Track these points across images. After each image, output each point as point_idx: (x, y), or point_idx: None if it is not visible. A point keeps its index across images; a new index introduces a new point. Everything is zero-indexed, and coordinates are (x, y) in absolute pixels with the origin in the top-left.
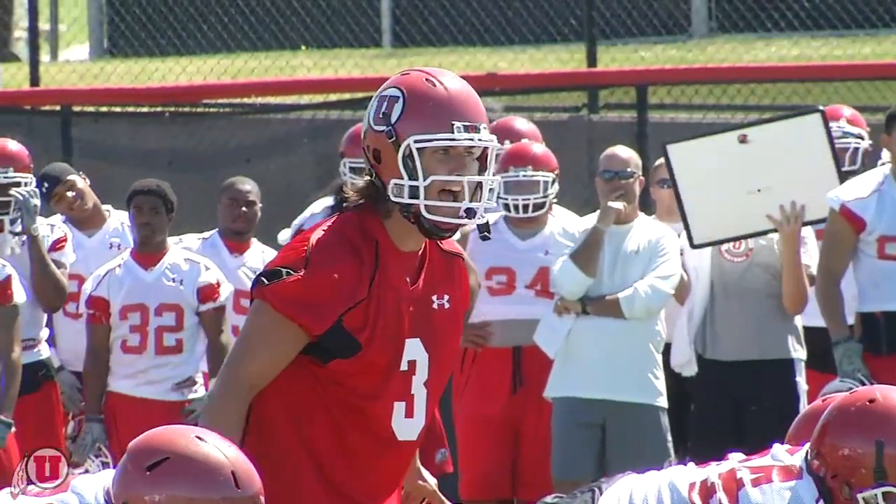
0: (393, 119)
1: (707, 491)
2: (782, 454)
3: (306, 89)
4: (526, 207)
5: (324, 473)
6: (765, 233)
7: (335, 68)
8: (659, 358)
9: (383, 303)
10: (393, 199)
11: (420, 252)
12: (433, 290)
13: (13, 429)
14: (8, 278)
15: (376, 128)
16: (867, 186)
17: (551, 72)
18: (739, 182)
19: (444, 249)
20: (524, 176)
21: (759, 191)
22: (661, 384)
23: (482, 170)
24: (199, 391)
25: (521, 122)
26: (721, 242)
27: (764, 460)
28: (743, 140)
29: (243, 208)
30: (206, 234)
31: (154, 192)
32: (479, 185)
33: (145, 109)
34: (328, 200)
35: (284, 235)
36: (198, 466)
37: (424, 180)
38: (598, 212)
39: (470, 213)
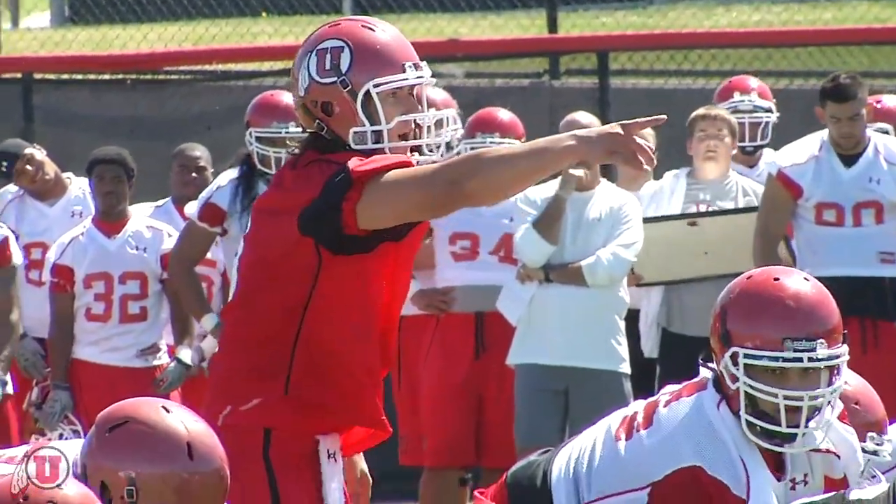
0: (343, 68)
1: (629, 421)
2: (703, 372)
3: (267, 56)
4: None
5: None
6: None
7: (296, 35)
8: (622, 325)
9: None
10: (355, 146)
11: None
12: None
13: (8, 387)
14: (6, 239)
15: (324, 80)
16: (805, 152)
17: (512, 38)
18: (688, 248)
19: None
20: (491, 143)
21: (705, 253)
22: (623, 350)
23: (423, 106)
24: (163, 358)
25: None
26: (670, 283)
27: (686, 384)
28: (692, 224)
29: (193, 174)
30: (160, 202)
31: (115, 160)
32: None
33: (107, 77)
34: (234, 173)
35: (191, 209)
36: (154, 434)
37: (388, 123)
38: (560, 179)
39: (420, 150)
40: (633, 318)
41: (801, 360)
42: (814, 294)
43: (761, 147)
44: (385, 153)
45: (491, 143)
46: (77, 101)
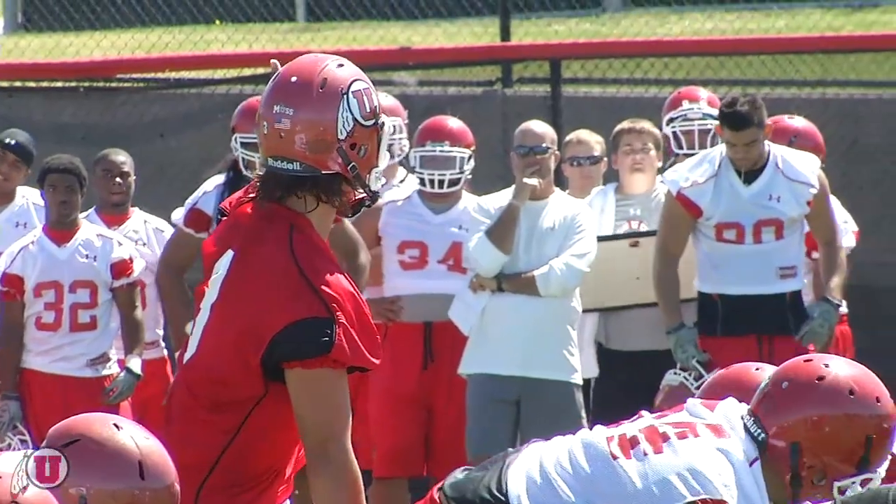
0: (378, 110)
1: (629, 442)
2: (700, 410)
3: (221, 64)
4: (441, 183)
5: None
6: (644, 305)
7: (249, 43)
8: (574, 335)
9: None
10: (373, 188)
11: None
12: None
13: None
14: None
15: (368, 123)
16: (704, 172)
17: (465, 46)
18: (623, 271)
19: None
20: (441, 151)
21: (637, 279)
22: (576, 361)
23: None
24: (113, 367)
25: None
26: (605, 310)
27: (682, 416)
28: (634, 244)
29: (118, 179)
30: (84, 213)
31: (69, 169)
32: None
33: (60, 84)
34: (220, 178)
35: (177, 214)
36: (105, 452)
37: (384, 160)
38: (514, 188)
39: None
40: None
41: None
42: None
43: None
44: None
45: (441, 151)
46: (30, 108)
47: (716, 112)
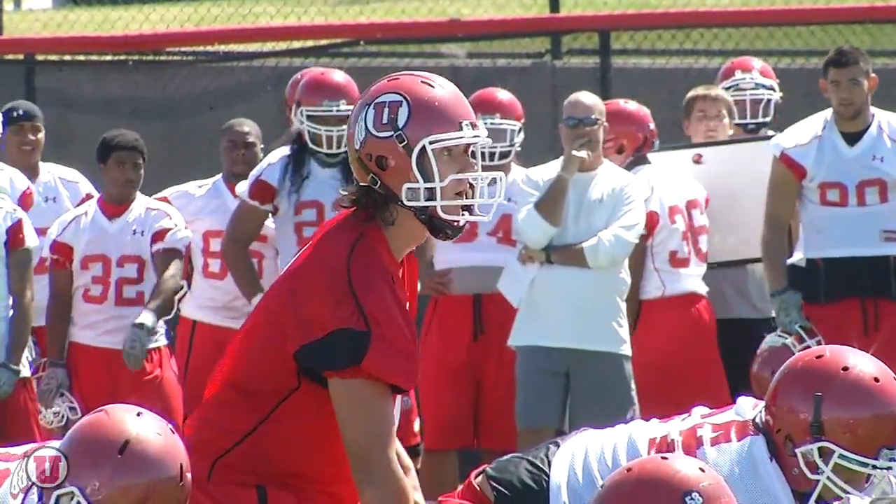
0: (400, 123)
1: (667, 448)
2: (744, 408)
3: (269, 37)
4: (492, 156)
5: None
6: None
7: (298, 15)
8: (623, 306)
9: None
10: (407, 203)
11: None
12: (405, 296)
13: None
14: (19, 222)
15: (381, 135)
16: (808, 132)
17: (514, 17)
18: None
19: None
20: (492, 124)
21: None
22: (625, 332)
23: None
24: (160, 341)
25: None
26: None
27: (726, 415)
28: (697, 161)
29: (242, 150)
30: (209, 181)
31: (136, 147)
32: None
33: (109, 58)
34: (285, 150)
35: (242, 187)
36: (103, 425)
37: (441, 181)
38: (562, 160)
39: (472, 209)
40: None
41: (890, 468)
42: None
43: (764, 125)
44: (437, 211)
45: (491, 123)
46: (79, 82)
47: (769, 82)
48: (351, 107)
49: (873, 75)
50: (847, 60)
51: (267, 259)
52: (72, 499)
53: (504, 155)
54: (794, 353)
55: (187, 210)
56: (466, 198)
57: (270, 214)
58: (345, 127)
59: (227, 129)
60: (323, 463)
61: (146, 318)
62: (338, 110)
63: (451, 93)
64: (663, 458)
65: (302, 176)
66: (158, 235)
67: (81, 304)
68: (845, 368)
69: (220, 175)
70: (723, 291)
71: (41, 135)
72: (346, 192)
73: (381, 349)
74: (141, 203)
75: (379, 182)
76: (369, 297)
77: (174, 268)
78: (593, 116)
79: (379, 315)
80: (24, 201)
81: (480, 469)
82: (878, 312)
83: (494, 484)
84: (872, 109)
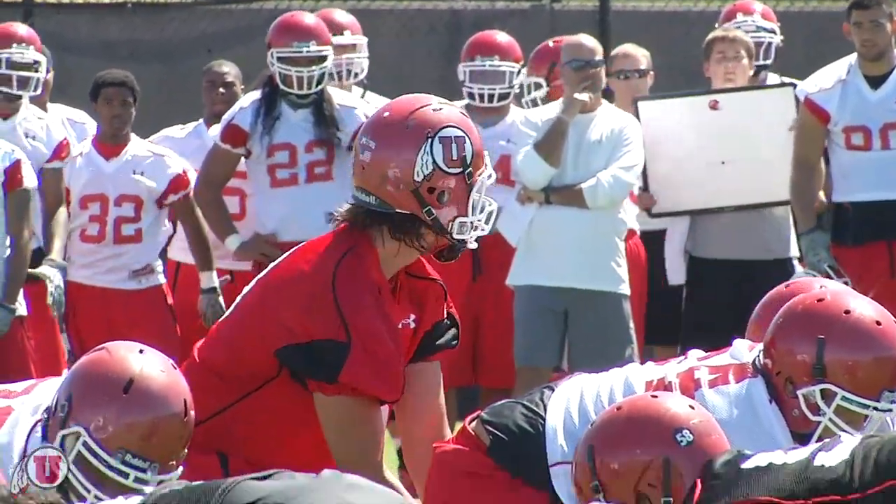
0: (468, 160)
1: (664, 390)
2: (741, 351)
3: None
4: (491, 97)
5: None
6: (722, 209)
7: None
8: (622, 246)
9: None
10: (456, 237)
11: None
12: (401, 313)
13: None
14: (17, 163)
15: (452, 171)
16: (832, 77)
17: None
18: (704, 152)
19: (413, 273)
20: (490, 66)
21: (722, 163)
22: (623, 272)
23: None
24: (158, 279)
25: (340, 14)
26: (679, 214)
27: (723, 358)
28: (714, 107)
29: (220, 90)
30: (191, 124)
31: (124, 83)
32: None
33: (107, 1)
34: (256, 94)
35: (215, 131)
36: (107, 363)
37: (475, 214)
38: (562, 101)
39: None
40: (654, 241)
41: (890, 410)
42: None
43: (765, 67)
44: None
45: (490, 65)
46: (77, 25)
47: (770, 25)
48: (321, 48)
49: None
50: (869, 3)
51: (249, 197)
52: (77, 438)
53: (503, 97)
54: None
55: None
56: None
57: (243, 158)
58: (315, 68)
59: (207, 69)
60: (284, 454)
61: (213, 280)
62: (307, 51)
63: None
64: (653, 396)
65: (273, 118)
66: (177, 184)
67: (79, 244)
68: (847, 311)
69: (202, 118)
70: (736, 232)
71: (50, 76)
72: (339, 213)
73: (361, 360)
74: (139, 144)
75: (432, 214)
76: (353, 309)
77: (197, 211)
78: (597, 58)
79: (361, 327)
80: (60, 151)
81: (475, 414)
82: None
83: (490, 428)
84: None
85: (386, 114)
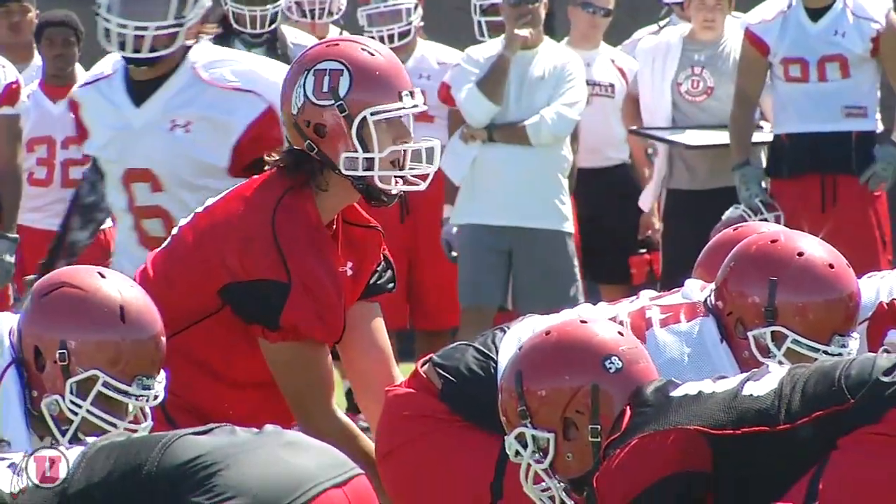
0: (342, 93)
1: None
2: (693, 291)
3: None
4: (392, 37)
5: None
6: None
7: None
8: (565, 183)
9: None
10: (345, 172)
11: (330, 224)
12: (340, 260)
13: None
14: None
15: (321, 102)
16: (773, 8)
17: None
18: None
19: (350, 221)
20: (385, 7)
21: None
22: (567, 210)
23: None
24: (107, 221)
25: None
26: (658, 139)
27: (674, 298)
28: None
29: None
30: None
31: (65, 23)
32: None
33: None
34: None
35: None
36: (87, 299)
37: (381, 151)
38: (503, 37)
39: (406, 177)
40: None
41: (840, 354)
42: (858, 289)
43: None
44: (374, 180)
45: (385, 6)
46: None
47: None
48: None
49: None
50: None
51: None
52: (95, 380)
53: (403, 35)
54: None
55: None
56: (400, 165)
57: None
58: (269, 7)
59: None
60: (224, 386)
61: None
62: None
63: (390, 60)
64: (582, 321)
65: None
66: None
67: (27, 188)
68: (800, 254)
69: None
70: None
71: (31, 14)
72: (274, 156)
73: (301, 301)
74: None
75: (316, 149)
76: (292, 250)
77: None
78: None
79: (301, 268)
80: (10, 95)
81: (427, 357)
82: (836, 188)
83: (441, 371)
84: None
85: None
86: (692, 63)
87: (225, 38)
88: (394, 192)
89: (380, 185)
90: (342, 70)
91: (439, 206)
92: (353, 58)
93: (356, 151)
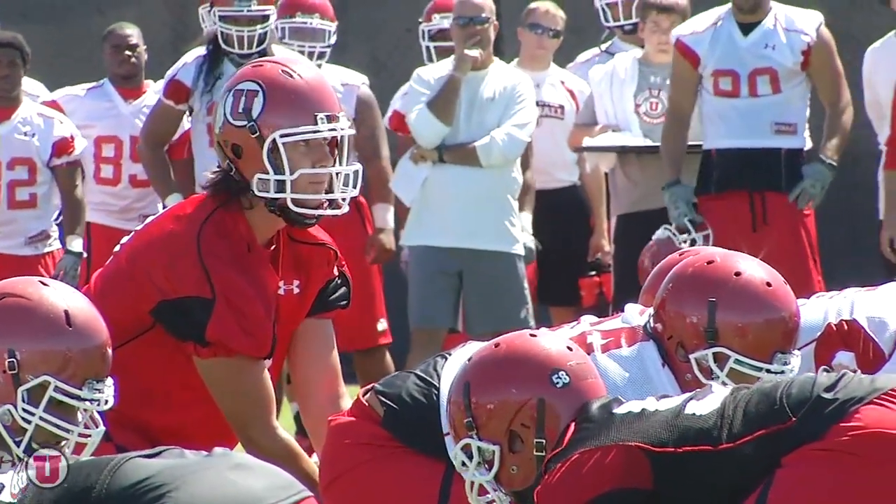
0: (254, 114)
1: None
2: (632, 315)
3: None
4: (311, 55)
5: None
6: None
7: None
8: (516, 205)
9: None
10: (258, 193)
11: (270, 241)
12: (284, 277)
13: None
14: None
15: (236, 123)
16: (705, 21)
17: None
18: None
19: (297, 239)
20: (311, 24)
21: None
22: (517, 232)
23: (340, 158)
24: (54, 245)
25: None
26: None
27: (614, 323)
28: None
29: (126, 52)
30: (94, 84)
31: (11, 44)
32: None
33: None
34: (201, 50)
35: (158, 86)
36: (33, 307)
37: (292, 174)
38: (454, 58)
39: (333, 203)
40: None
41: (783, 372)
42: (798, 307)
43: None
44: (288, 203)
45: (311, 24)
46: None
47: None
48: (262, 7)
49: None
50: None
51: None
52: (46, 386)
53: (322, 55)
54: (678, 247)
55: (78, 114)
56: (318, 192)
57: (186, 114)
58: (257, 27)
59: (109, 33)
60: (161, 403)
61: (77, 244)
62: (248, 10)
63: (311, 83)
64: (532, 335)
65: (215, 76)
66: (61, 148)
67: None
68: (737, 273)
69: (106, 79)
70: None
71: None
72: (211, 176)
73: (225, 316)
74: (30, 107)
75: (234, 169)
76: (216, 265)
77: (79, 180)
78: (484, 15)
79: (225, 283)
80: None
81: (369, 386)
82: (765, 206)
83: (383, 399)
84: (771, 3)
85: None
86: (649, 85)
87: (215, 57)
88: (314, 216)
89: (295, 208)
90: (258, 91)
91: (358, 225)
92: (270, 79)
93: (268, 173)
